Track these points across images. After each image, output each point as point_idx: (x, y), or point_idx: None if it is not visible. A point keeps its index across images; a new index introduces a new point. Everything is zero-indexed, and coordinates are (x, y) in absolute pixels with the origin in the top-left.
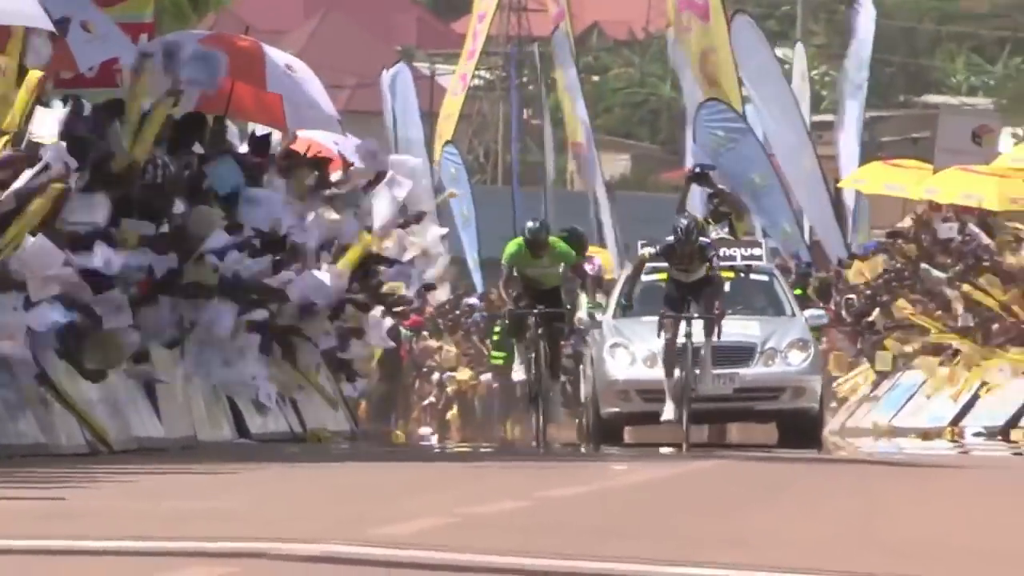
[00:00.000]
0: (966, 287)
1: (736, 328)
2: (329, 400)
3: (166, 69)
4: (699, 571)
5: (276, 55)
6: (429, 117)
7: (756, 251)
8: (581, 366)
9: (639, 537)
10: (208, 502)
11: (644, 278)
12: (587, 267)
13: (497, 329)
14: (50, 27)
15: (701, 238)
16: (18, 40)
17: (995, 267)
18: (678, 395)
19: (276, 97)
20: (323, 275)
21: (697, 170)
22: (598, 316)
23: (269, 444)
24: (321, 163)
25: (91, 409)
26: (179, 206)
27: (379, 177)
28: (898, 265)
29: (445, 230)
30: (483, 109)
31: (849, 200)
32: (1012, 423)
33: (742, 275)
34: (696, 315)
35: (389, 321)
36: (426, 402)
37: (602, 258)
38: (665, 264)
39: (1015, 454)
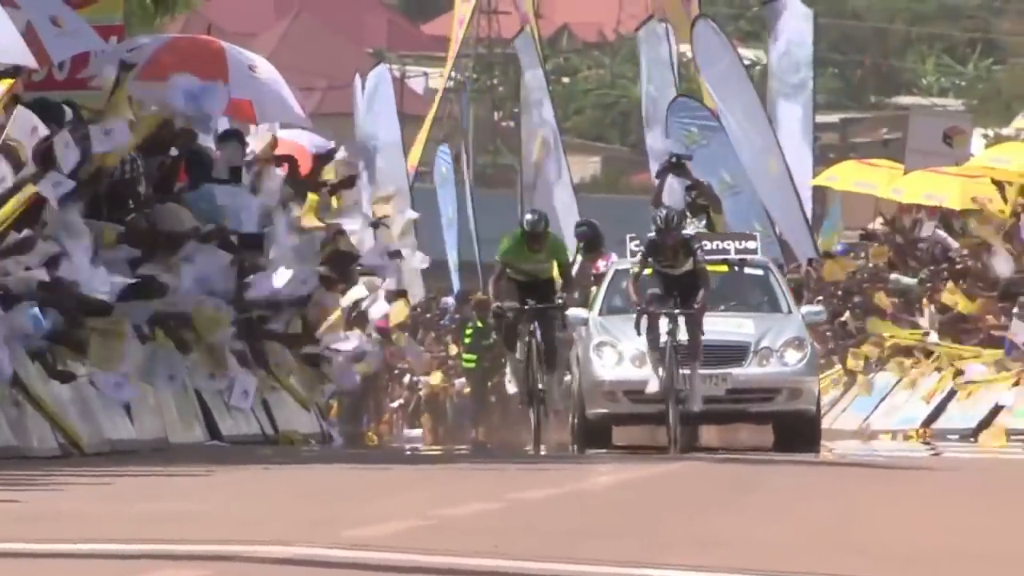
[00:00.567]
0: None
1: (729, 326)
2: (301, 402)
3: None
4: (671, 572)
5: (239, 55)
6: (400, 119)
7: (750, 244)
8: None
9: (612, 538)
10: (180, 504)
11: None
12: (601, 263)
13: (469, 332)
14: (33, 64)
15: (684, 231)
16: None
17: (965, 271)
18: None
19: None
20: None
21: (673, 160)
22: (583, 314)
23: (241, 446)
24: (292, 161)
25: (63, 411)
26: (148, 199)
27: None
28: (871, 266)
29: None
30: (453, 112)
31: (807, 203)
32: (983, 426)
33: (736, 269)
34: (677, 311)
35: (358, 344)
36: (396, 404)
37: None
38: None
39: (986, 456)
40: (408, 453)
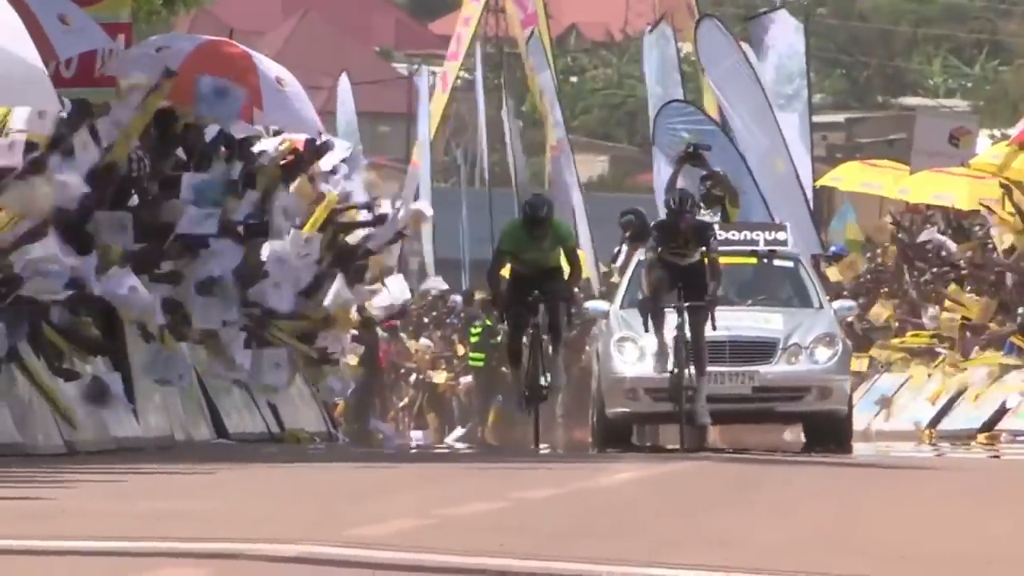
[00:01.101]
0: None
1: (756, 321)
2: (307, 400)
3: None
4: (673, 572)
5: (266, 67)
6: (406, 118)
7: (780, 235)
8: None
9: (614, 538)
10: (185, 502)
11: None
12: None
13: (476, 331)
14: (58, 107)
15: (699, 217)
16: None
17: (971, 274)
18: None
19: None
20: (285, 244)
21: (691, 149)
22: (604, 306)
23: (247, 444)
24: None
25: (69, 403)
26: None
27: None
28: (877, 268)
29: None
30: (461, 111)
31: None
32: (987, 427)
33: (764, 261)
34: (686, 303)
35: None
36: (402, 403)
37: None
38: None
39: (991, 457)
40: (413, 452)
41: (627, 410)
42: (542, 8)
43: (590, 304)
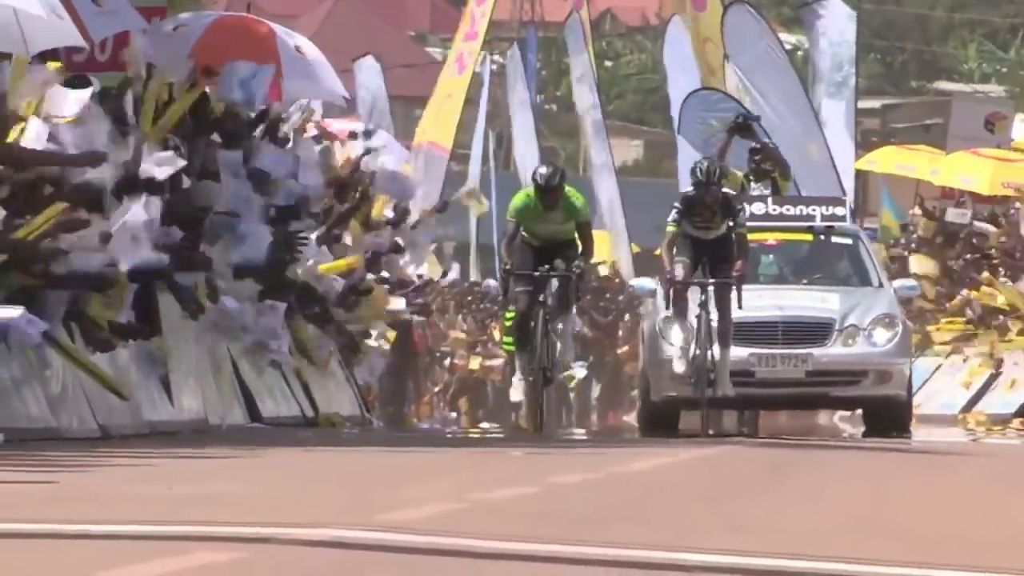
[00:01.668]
0: (976, 290)
1: (811, 300)
2: (341, 385)
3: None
4: (702, 557)
5: (285, 37)
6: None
7: (839, 209)
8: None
9: (645, 523)
10: (218, 486)
11: None
12: None
13: (510, 315)
14: (82, 42)
15: (727, 189)
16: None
17: (1002, 262)
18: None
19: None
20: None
21: (740, 120)
22: (650, 284)
23: (281, 428)
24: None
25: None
26: (186, 182)
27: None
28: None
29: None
30: (495, 95)
31: (849, 193)
32: (1022, 412)
33: (821, 238)
34: (711, 280)
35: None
36: (437, 388)
37: (598, 241)
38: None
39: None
40: (447, 436)
41: (674, 394)
42: None
43: (635, 281)
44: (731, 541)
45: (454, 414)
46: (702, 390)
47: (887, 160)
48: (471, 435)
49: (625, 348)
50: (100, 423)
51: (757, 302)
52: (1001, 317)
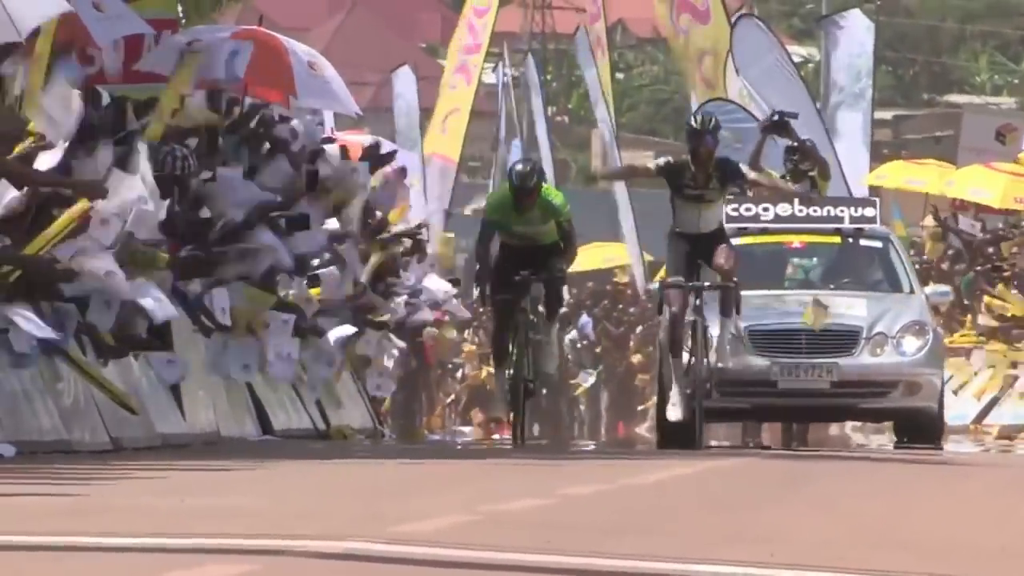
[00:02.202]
0: (987, 298)
1: (838, 307)
2: (352, 397)
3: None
4: (715, 568)
5: (299, 51)
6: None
7: (869, 211)
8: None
9: (659, 534)
10: (230, 498)
11: (734, 241)
12: None
13: None
14: (67, 7)
15: (731, 160)
16: (49, 35)
17: (1014, 274)
18: (686, 385)
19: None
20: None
21: (776, 118)
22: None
23: (292, 441)
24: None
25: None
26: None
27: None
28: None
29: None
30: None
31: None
32: None
33: (849, 240)
34: (706, 284)
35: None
36: (449, 399)
37: (618, 253)
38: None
39: None
40: (459, 448)
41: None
42: (603, 4)
43: (653, 286)
44: (744, 552)
45: (467, 428)
46: (699, 404)
47: (896, 175)
48: (482, 446)
49: (637, 357)
50: (112, 436)
51: (781, 308)
52: (1014, 331)
